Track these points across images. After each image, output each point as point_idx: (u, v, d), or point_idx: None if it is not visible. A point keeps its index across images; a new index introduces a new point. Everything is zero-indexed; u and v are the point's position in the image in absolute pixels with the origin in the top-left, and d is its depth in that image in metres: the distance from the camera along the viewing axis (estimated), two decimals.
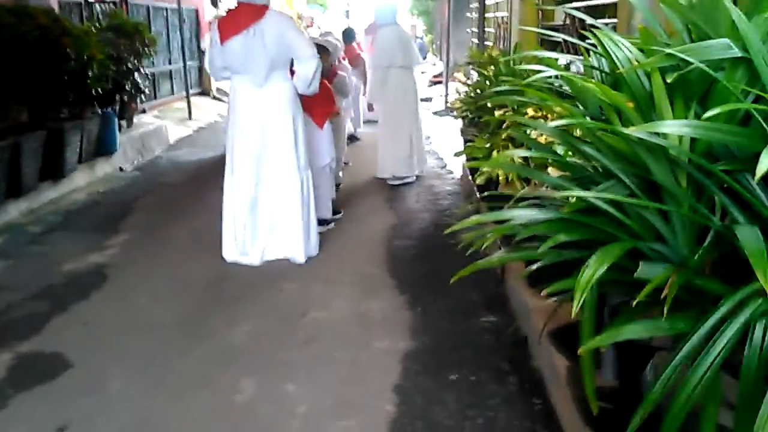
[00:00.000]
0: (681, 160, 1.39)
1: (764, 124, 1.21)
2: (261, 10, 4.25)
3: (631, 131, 1.31)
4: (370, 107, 8.49)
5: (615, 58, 1.51)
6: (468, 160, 5.61)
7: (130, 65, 7.92)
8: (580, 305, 1.36)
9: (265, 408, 2.88)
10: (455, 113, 6.21)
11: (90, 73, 6.50)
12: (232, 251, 4.57)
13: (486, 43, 9.60)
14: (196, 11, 13.63)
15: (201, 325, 3.67)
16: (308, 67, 4.34)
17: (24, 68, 5.64)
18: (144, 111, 10.47)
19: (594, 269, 1.35)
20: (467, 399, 2.92)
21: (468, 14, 13.48)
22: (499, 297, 3.95)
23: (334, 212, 5.43)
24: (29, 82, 5.86)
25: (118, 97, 7.94)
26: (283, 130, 4.42)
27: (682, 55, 1.32)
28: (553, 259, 1.69)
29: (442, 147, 8.79)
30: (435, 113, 11.97)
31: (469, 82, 6.07)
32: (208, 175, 7.22)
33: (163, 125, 9.62)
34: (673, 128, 1.33)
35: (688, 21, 1.65)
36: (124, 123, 8.64)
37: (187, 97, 11.43)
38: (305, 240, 4.56)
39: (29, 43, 5.59)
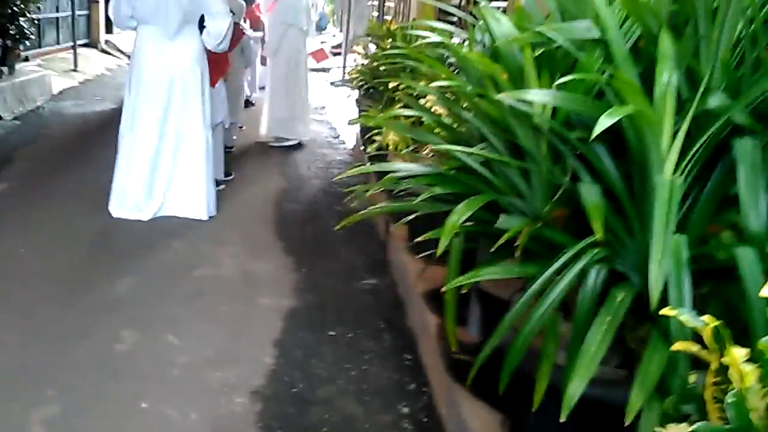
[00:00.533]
0: (542, 127, 1.57)
1: (612, 99, 1.39)
2: None
3: (500, 97, 1.47)
4: (264, 61, 8.43)
5: (495, 34, 1.67)
6: (361, 129, 5.75)
7: (15, 8, 7.54)
8: (445, 250, 1.53)
9: (145, 357, 2.93)
10: (352, 84, 6.32)
11: None
12: (120, 207, 4.50)
13: (386, 17, 9.73)
14: None
15: (83, 277, 3.64)
16: (221, 24, 4.33)
17: None
18: (27, 59, 9.92)
19: (459, 215, 1.51)
20: (344, 353, 3.08)
21: None
22: (382, 261, 4.13)
23: (226, 174, 5.43)
24: None
25: (0, 42, 7.55)
26: (191, 84, 4.41)
27: (549, 34, 1.50)
28: (427, 210, 1.85)
29: (337, 117, 8.88)
30: (332, 84, 12.02)
31: (367, 54, 6.19)
32: (95, 130, 7.04)
33: (47, 75, 9.19)
34: (537, 96, 1.51)
35: (561, 4, 1.84)
36: (5, 70, 8.22)
37: (74, 47, 10.95)
38: (206, 198, 4.57)
39: None
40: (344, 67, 12.09)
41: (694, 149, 1.37)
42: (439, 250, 1.49)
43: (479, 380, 2.39)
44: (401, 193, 2.40)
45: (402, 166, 2.05)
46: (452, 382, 2.61)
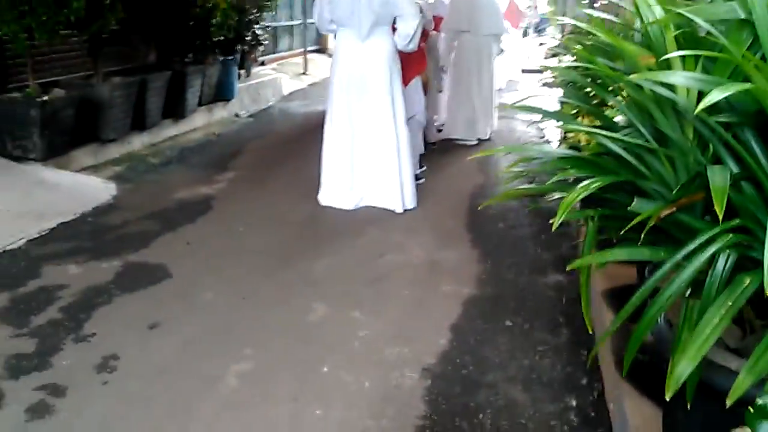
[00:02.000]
0: (686, 112, 1.54)
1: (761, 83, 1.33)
2: None
3: (634, 77, 1.47)
4: (442, 69, 8.62)
5: (645, 18, 1.65)
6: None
7: (251, 17, 8.39)
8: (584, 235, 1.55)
9: (331, 327, 3.20)
10: (553, 83, 6.26)
11: (213, 21, 6.98)
12: (327, 195, 4.92)
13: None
14: None
15: (287, 255, 4.03)
16: (410, 24, 4.57)
17: (153, 12, 6.14)
18: (263, 63, 11.01)
19: (578, 193, 1.53)
20: (518, 343, 3.12)
21: None
22: (571, 258, 4.08)
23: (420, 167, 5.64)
24: (157, 26, 6.37)
25: (239, 47, 8.44)
26: (380, 83, 4.68)
27: (690, 15, 1.46)
28: (560, 193, 1.86)
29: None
30: (545, 85, 11.88)
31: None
32: (314, 126, 7.54)
33: (279, 77, 10.11)
34: (677, 78, 1.48)
35: None
36: (243, 72, 9.18)
37: (305, 52, 11.90)
38: (401, 191, 4.82)
39: None
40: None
41: None
42: (555, 225, 1.52)
43: (647, 378, 2.37)
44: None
45: (544, 150, 2.08)
46: (620, 379, 2.57)
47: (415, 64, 5.22)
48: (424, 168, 5.73)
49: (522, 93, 8.11)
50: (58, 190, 4.84)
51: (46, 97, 5.14)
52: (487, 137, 7.35)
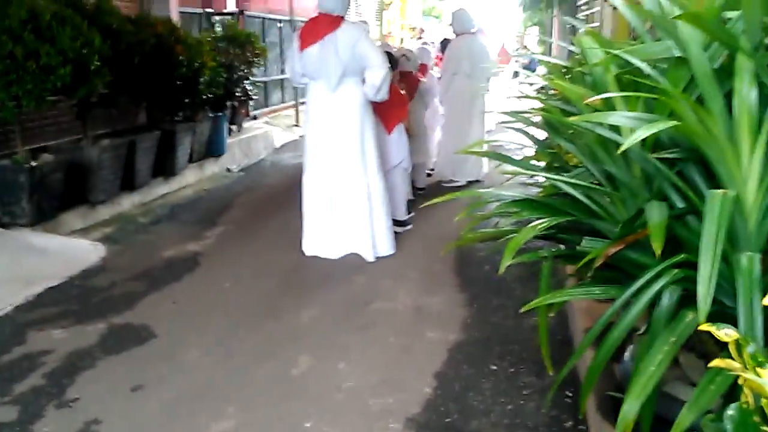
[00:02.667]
0: (632, 152, 1.56)
1: (696, 118, 1.36)
2: (337, 21, 4.61)
3: (574, 120, 1.49)
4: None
5: (589, 59, 1.69)
6: None
7: (240, 73, 8.52)
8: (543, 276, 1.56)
9: (315, 380, 3.18)
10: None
11: (201, 80, 7.09)
12: (310, 245, 4.94)
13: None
14: None
15: (273, 307, 4.03)
16: (377, 75, 4.64)
17: (141, 73, 6.25)
18: (255, 117, 11.15)
19: (523, 236, 1.54)
20: (502, 387, 3.10)
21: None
22: None
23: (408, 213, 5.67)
24: (146, 86, 6.48)
25: (229, 103, 8.56)
26: (351, 133, 4.74)
27: (626, 56, 1.49)
28: (508, 236, 1.88)
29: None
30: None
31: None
32: None
33: (271, 131, 10.22)
34: (618, 119, 1.50)
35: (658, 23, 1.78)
36: (234, 127, 9.29)
37: (296, 105, 12.04)
38: (372, 239, 4.85)
39: (146, 50, 6.20)
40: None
41: None
42: (502, 268, 1.54)
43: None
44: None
45: (496, 193, 2.10)
46: (602, 420, 2.55)
47: (396, 111, 5.29)
48: (412, 214, 5.75)
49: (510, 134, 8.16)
50: (46, 255, 4.86)
51: (34, 163, 5.19)
52: (478, 178, 7.40)
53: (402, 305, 4.07)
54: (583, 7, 9.65)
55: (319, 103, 4.80)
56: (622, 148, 1.22)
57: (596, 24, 8.47)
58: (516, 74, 20.93)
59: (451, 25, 7.71)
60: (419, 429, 2.79)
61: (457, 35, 7.37)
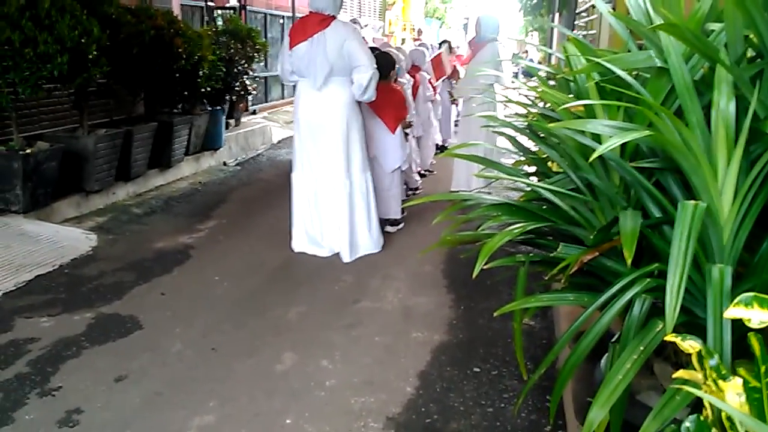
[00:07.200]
0: (614, 159, 1.57)
1: (674, 128, 1.36)
2: (327, 20, 4.63)
3: (553, 126, 1.50)
4: (451, 96, 8.65)
5: (573, 67, 1.70)
6: None
7: (240, 68, 8.52)
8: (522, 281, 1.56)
9: (298, 377, 3.19)
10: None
11: (201, 73, 7.08)
12: (299, 241, 4.95)
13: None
14: None
15: (260, 302, 4.04)
16: (364, 75, 4.63)
17: (139, 64, 6.24)
18: (254, 112, 11.16)
19: (497, 240, 1.55)
20: (484, 390, 3.11)
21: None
22: None
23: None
24: (144, 78, 6.47)
25: (227, 97, 8.55)
26: (335, 132, 4.75)
27: (607, 64, 1.50)
28: (485, 239, 1.89)
29: None
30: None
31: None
32: None
33: (269, 126, 10.23)
34: (597, 127, 1.51)
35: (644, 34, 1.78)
36: (232, 122, 9.29)
37: None
38: (351, 239, 4.85)
39: (145, 42, 6.19)
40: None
41: (752, 177, 1.30)
42: (475, 272, 1.54)
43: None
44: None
45: (477, 196, 2.11)
46: (579, 426, 2.55)
47: (397, 110, 5.30)
48: (405, 214, 5.75)
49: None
50: (39, 242, 4.86)
51: (29, 150, 5.19)
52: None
53: (389, 305, 4.07)
54: (582, 14, 9.64)
55: (305, 101, 4.81)
56: (595, 155, 1.22)
57: (594, 31, 8.46)
58: (516, 76, 20.96)
59: (475, 28, 7.30)
60: (399, 429, 2.80)
61: (482, 42, 6.83)
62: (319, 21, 4.65)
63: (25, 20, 4.79)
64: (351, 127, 4.79)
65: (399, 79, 6.35)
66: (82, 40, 5.14)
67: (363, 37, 5.05)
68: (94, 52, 5.27)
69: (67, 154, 5.60)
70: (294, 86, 4.99)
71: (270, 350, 3.45)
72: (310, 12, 4.73)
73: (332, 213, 4.86)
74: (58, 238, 5.03)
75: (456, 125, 9.36)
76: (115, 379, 3.13)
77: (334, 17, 4.68)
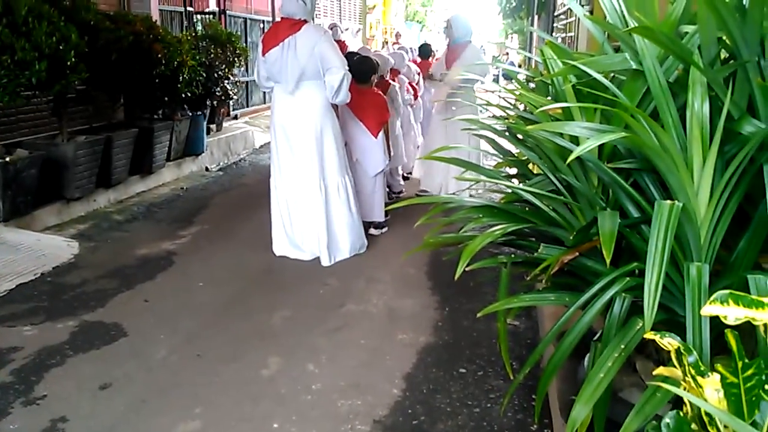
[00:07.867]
0: (592, 160, 1.59)
1: (650, 131, 1.39)
2: (298, 24, 4.67)
3: (531, 129, 1.52)
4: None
5: (550, 69, 1.72)
6: None
7: (221, 73, 8.50)
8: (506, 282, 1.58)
9: (284, 382, 3.19)
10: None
11: (180, 78, 7.06)
12: (280, 245, 4.96)
13: None
14: None
15: (245, 307, 4.04)
16: (335, 76, 4.64)
17: (119, 70, 6.21)
18: (236, 117, 11.13)
19: (478, 242, 1.57)
20: (470, 390, 3.13)
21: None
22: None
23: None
24: (123, 84, 6.45)
25: (208, 102, 8.53)
26: (307, 136, 4.76)
27: (583, 67, 1.52)
28: (465, 240, 1.91)
29: None
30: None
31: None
32: None
33: (250, 130, 10.21)
34: (574, 129, 1.53)
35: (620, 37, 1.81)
36: (214, 127, 9.26)
37: None
38: (329, 243, 4.85)
39: (124, 48, 6.17)
40: None
41: (727, 176, 1.33)
42: (457, 274, 1.56)
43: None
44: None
45: (458, 199, 2.14)
46: (564, 424, 2.58)
47: (378, 114, 5.32)
48: (388, 217, 5.77)
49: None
50: (19, 251, 4.83)
51: (8, 158, 5.15)
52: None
53: (374, 307, 4.09)
54: (561, 17, 9.73)
55: (279, 105, 4.84)
56: (572, 157, 1.25)
57: (572, 34, 8.54)
58: (496, 80, 21.07)
59: (446, 31, 7.14)
60: (386, 431, 2.81)
61: (459, 44, 6.88)
62: (290, 25, 4.68)
63: (1, 27, 4.76)
64: (325, 131, 4.80)
65: (401, 75, 6.42)
66: (60, 47, 5.12)
67: (336, 41, 5.08)
68: (73, 59, 5.24)
69: (47, 161, 5.56)
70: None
71: (255, 355, 3.45)
72: (282, 17, 4.76)
73: (309, 217, 4.86)
74: (40, 247, 4.99)
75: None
76: (99, 386, 3.12)
77: (305, 21, 4.70)
